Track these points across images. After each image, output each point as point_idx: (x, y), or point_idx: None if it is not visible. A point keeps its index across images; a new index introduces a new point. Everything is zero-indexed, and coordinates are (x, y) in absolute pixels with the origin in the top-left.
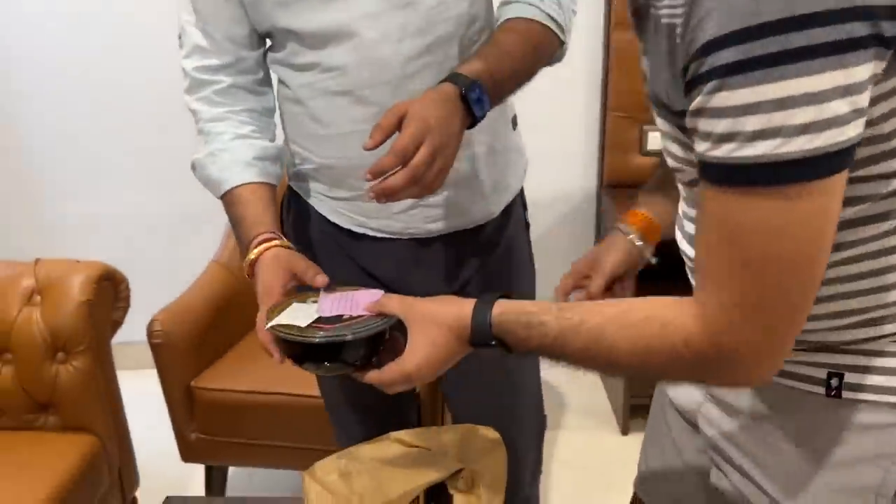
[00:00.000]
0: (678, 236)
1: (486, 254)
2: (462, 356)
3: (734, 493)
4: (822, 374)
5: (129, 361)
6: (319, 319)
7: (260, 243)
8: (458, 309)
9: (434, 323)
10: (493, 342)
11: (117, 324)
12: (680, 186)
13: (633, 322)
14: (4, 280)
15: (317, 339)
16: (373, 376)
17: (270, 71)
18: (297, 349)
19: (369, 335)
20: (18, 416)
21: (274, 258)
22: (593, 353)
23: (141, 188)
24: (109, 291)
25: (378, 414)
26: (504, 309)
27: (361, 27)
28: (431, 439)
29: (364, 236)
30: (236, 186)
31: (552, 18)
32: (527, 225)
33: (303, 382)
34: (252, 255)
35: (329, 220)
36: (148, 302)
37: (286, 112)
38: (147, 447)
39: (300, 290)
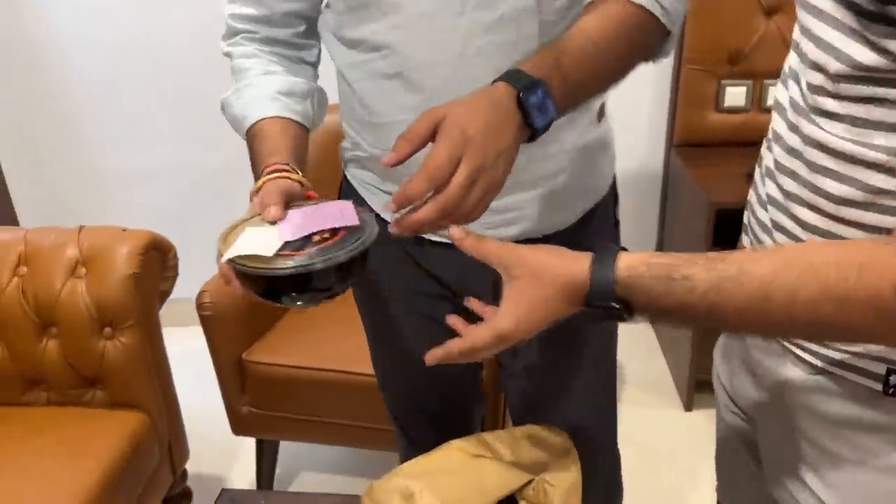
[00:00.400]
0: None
1: None
2: (566, 315)
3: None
4: (881, 369)
5: (173, 318)
6: (285, 246)
7: (269, 174)
8: (573, 262)
9: (541, 277)
10: (616, 303)
11: (165, 294)
12: (794, 89)
13: (817, 266)
14: (48, 250)
15: (281, 272)
16: (455, 346)
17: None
18: (262, 284)
19: (342, 262)
20: (65, 391)
21: (268, 188)
22: (761, 309)
23: (188, 140)
24: (157, 262)
25: (443, 419)
26: (631, 262)
27: None
28: (495, 447)
29: (420, 238)
30: (257, 121)
31: (656, 1)
32: (616, 223)
33: (357, 360)
34: (258, 185)
35: (381, 217)
36: (194, 256)
37: (339, 89)
38: (196, 411)
39: None
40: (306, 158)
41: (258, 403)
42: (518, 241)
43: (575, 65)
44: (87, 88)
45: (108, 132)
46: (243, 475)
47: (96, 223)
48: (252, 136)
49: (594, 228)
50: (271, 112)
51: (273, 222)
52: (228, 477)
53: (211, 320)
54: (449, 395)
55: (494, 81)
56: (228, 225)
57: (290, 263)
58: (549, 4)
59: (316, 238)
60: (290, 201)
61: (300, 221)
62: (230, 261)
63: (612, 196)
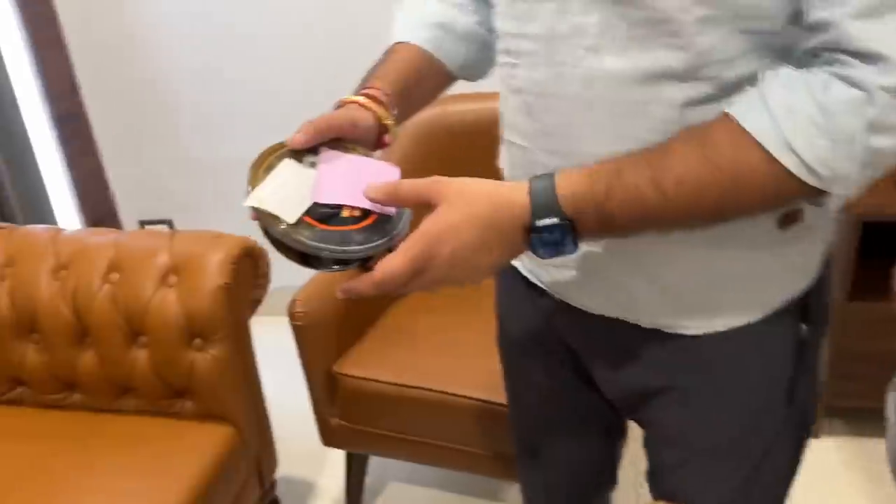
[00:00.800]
0: None
1: (694, 369)
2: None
3: None
4: None
5: (265, 308)
6: (313, 210)
7: (358, 95)
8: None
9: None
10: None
11: (257, 302)
12: None
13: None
14: (139, 256)
15: (298, 245)
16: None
17: None
18: (277, 243)
19: (361, 257)
20: (155, 400)
21: (322, 118)
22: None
23: (284, 130)
24: (248, 270)
25: (570, 496)
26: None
27: (547, 9)
28: None
29: (535, 287)
30: (399, 42)
31: (791, 149)
32: (800, 345)
33: (458, 379)
34: (342, 101)
35: None
36: None
37: None
38: (287, 408)
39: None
40: (420, 101)
41: (348, 417)
42: (631, 324)
43: (627, 209)
44: (184, 80)
45: (205, 123)
46: (333, 480)
47: (193, 213)
48: (384, 53)
49: (753, 345)
50: (415, 38)
51: (309, 161)
52: (317, 483)
53: (302, 330)
54: (580, 474)
55: (514, 189)
56: (269, 146)
57: (309, 241)
58: (710, 71)
59: (346, 212)
60: (349, 139)
61: (340, 183)
62: (258, 210)
63: (798, 314)
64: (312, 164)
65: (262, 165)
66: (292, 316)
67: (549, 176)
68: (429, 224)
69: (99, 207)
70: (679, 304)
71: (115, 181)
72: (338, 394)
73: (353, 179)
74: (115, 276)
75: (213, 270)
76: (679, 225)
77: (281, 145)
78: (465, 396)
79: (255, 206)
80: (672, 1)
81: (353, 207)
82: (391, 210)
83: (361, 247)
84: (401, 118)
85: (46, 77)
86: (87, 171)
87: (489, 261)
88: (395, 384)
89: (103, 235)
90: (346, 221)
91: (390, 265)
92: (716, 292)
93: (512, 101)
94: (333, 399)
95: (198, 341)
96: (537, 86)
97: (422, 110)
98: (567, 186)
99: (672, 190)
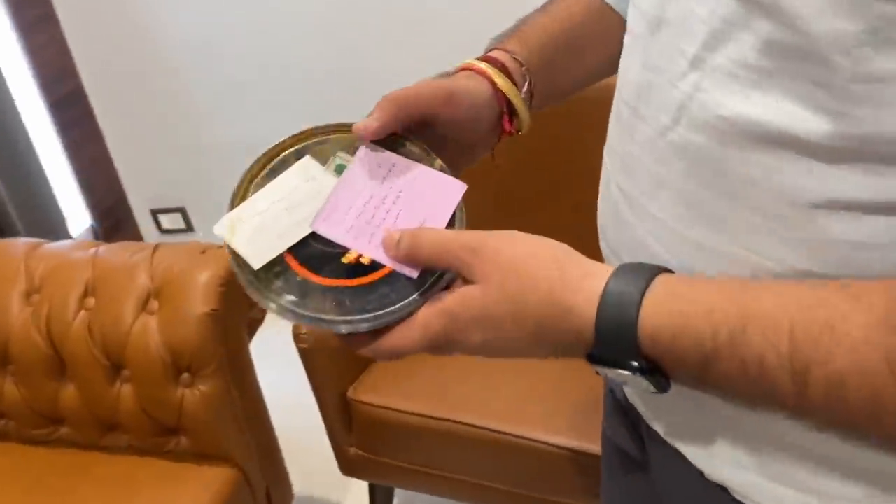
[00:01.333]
0: None
1: None
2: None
3: None
4: None
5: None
6: (304, 245)
7: (480, 60)
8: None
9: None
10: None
11: (256, 323)
12: None
13: None
14: (118, 276)
15: (256, 300)
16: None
17: None
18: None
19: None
20: (146, 438)
21: (398, 94)
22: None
23: (292, 111)
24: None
25: None
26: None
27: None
28: None
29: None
30: None
31: None
32: None
33: (489, 411)
34: (456, 68)
35: None
36: None
37: None
38: (311, 418)
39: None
40: (582, 74)
41: (367, 447)
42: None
43: (740, 385)
44: (194, 54)
45: (218, 102)
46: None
47: (209, 199)
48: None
49: None
50: None
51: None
52: None
53: (309, 353)
54: None
55: (606, 285)
56: (325, 124)
57: (276, 297)
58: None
59: (350, 255)
60: (445, 122)
61: (357, 207)
62: (229, 249)
63: None
64: (338, 169)
65: (273, 161)
66: (297, 338)
67: (634, 282)
68: (457, 305)
69: (108, 198)
70: (763, 471)
71: (123, 168)
72: (355, 422)
73: (381, 206)
74: (91, 302)
75: (198, 294)
76: (814, 426)
77: (343, 127)
78: (501, 432)
79: (222, 235)
80: (831, 27)
81: (359, 252)
82: (409, 272)
83: (342, 319)
84: (544, 98)
85: (39, 58)
86: (91, 160)
87: (536, 354)
88: (420, 415)
89: (82, 250)
90: (345, 271)
91: (402, 340)
92: (836, 478)
93: (616, 98)
94: (350, 426)
95: (185, 376)
96: (627, 89)
97: (584, 88)
98: (654, 318)
99: (818, 392)
